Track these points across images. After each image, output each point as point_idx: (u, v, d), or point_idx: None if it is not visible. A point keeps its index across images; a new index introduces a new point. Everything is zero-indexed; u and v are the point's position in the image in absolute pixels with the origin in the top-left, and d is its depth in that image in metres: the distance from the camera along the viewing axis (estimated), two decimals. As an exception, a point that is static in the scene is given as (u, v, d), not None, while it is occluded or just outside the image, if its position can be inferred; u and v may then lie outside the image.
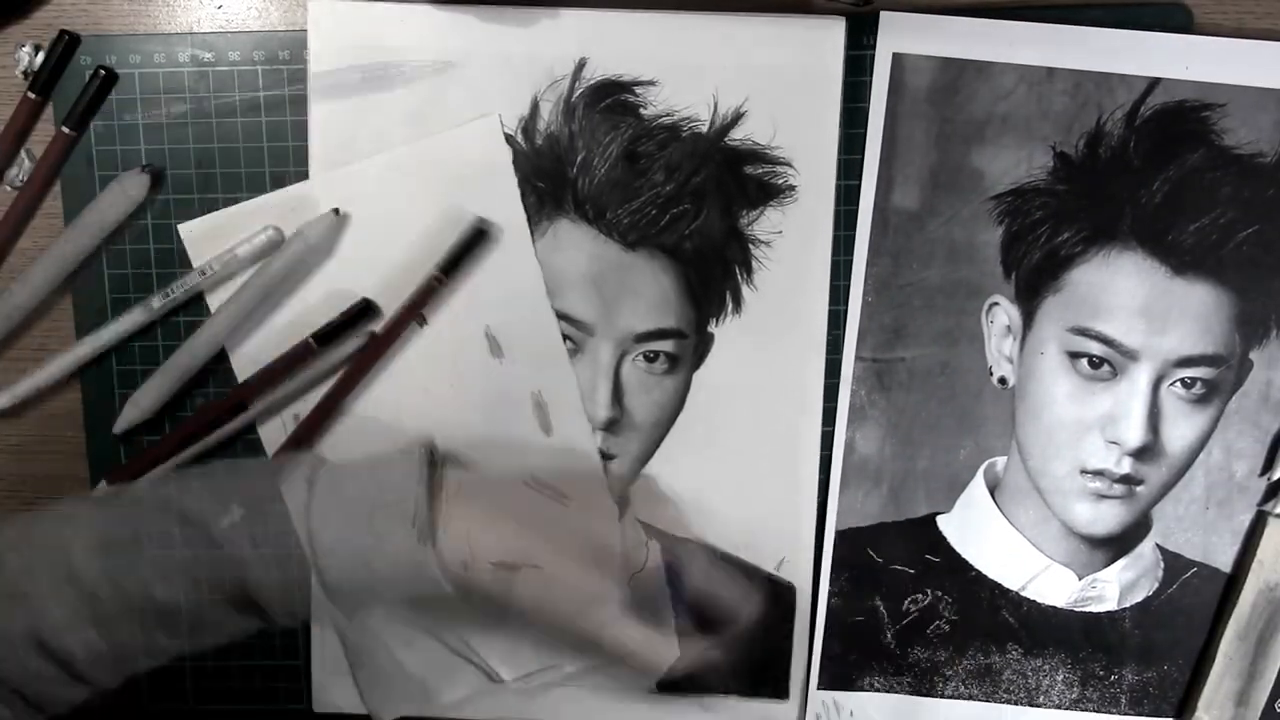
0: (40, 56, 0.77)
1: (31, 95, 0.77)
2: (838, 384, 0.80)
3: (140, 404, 0.78)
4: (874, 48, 0.77)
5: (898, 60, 0.77)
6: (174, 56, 0.78)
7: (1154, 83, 0.76)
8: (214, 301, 0.79)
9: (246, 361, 0.79)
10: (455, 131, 0.77)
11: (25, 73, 0.78)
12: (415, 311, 0.78)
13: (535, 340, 0.79)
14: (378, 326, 0.79)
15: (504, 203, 0.78)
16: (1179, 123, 0.77)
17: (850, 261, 0.79)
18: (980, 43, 0.77)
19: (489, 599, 0.69)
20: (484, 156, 0.78)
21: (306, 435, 0.79)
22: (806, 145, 0.78)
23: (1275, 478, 0.80)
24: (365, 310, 0.78)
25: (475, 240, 0.77)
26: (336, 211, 0.77)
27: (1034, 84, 0.77)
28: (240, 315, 0.77)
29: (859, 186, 0.78)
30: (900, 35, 0.77)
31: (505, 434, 0.80)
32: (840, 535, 0.81)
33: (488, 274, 0.78)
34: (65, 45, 0.77)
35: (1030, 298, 0.78)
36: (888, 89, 0.77)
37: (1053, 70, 0.76)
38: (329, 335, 0.78)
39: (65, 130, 0.77)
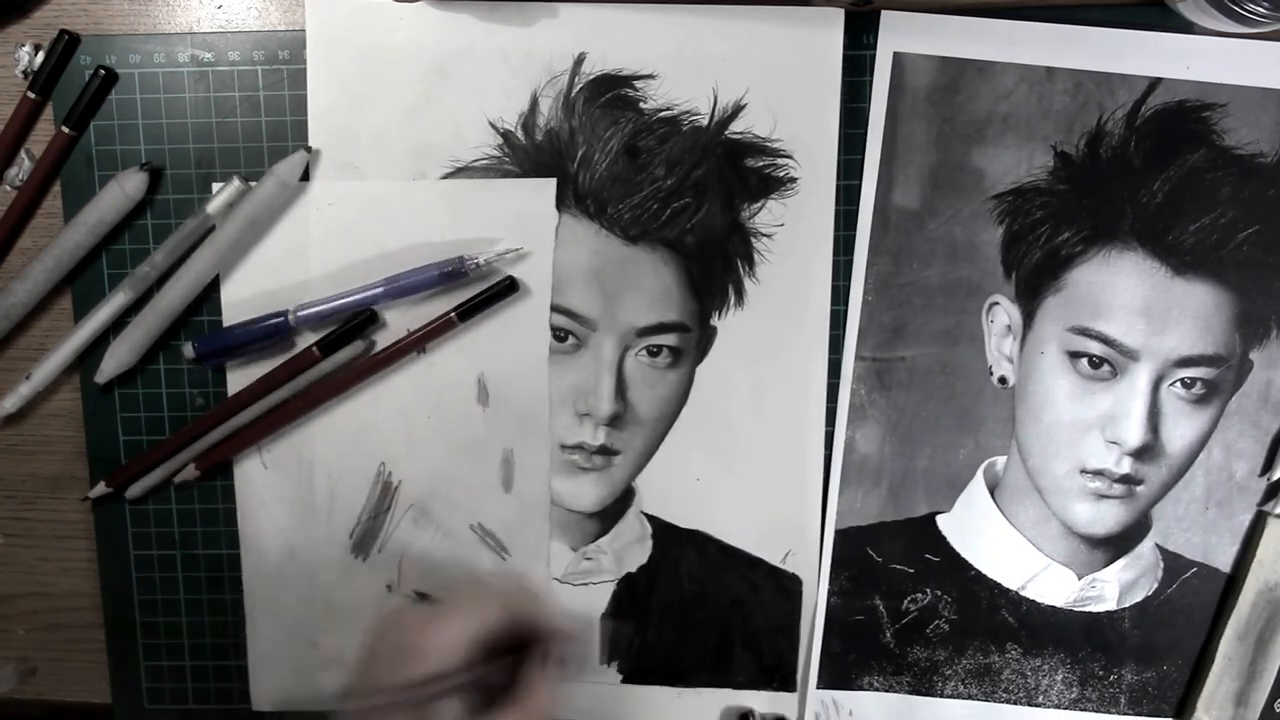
0: (40, 56, 0.77)
1: (31, 95, 0.77)
2: (838, 383, 0.80)
3: (119, 354, 0.78)
4: (874, 47, 0.77)
5: (898, 59, 0.77)
6: (174, 56, 0.78)
7: (1155, 82, 0.76)
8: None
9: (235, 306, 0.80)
10: (501, 182, 0.78)
11: (25, 73, 0.78)
12: (419, 344, 0.79)
13: (523, 399, 0.80)
14: (379, 336, 0.79)
15: (535, 260, 0.78)
16: (1180, 123, 0.76)
17: (850, 261, 0.79)
18: (981, 42, 0.76)
19: None
20: (529, 215, 0.78)
21: (276, 425, 0.80)
22: (807, 137, 0.78)
23: (1275, 478, 0.79)
24: (370, 319, 0.78)
25: (503, 294, 0.78)
26: (308, 149, 0.77)
27: (1035, 83, 0.76)
28: (216, 261, 0.77)
29: (859, 186, 0.78)
30: (901, 34, 0.76)
31: (467, 479, 0.81)
32: (840, 534, 0.81)
33: (499, 322, 0.79)
34: (65, 45, 0.77)
35: (1030, 297, 0.78)
36: (888, 88, 0.77)
37: (1053, 70, 0.76)
38: (333, 345, 0.78)
39: (65, 130, 0.77)
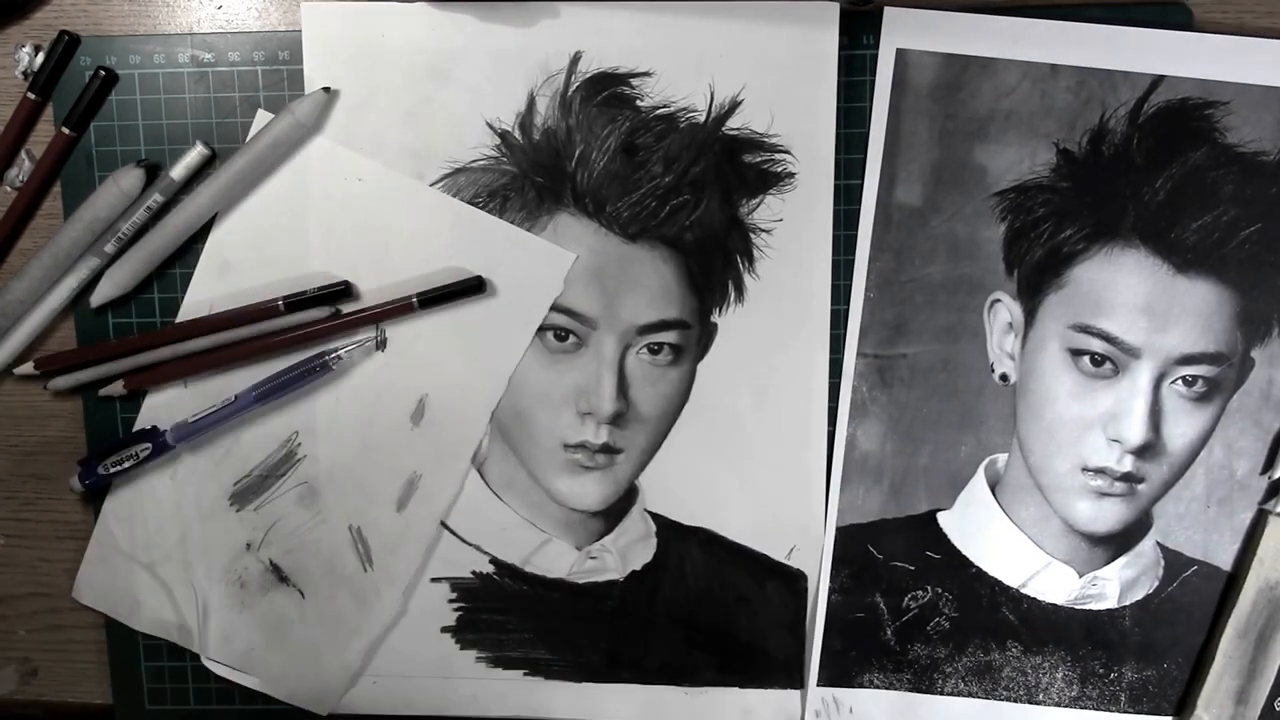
0: (40, 57, 0.77)
1: (31, 96, 0.77)
2: (839, 381, 0.80)
3: (116, 279, 0.78)
4: (875, 47, 0.76)
5: (901, 56, 0.76)
6: (174, 57, 0.77)
7: (1157, 80, 0.76)
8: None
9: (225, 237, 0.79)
10: (520, 233, 0.78)
11: (25, 73, 0.77)
12: (375, 320, 0.79)
13: (454, 432, 0.80)
14: (347, 307, 0.79)
15: (527, 307, 0.79)
16: (1182, 120, 0.76)
17: (852, 260, 0.78)
18: (984, 39, 0.76)
19: None
20: (534, 277, 0.78)
21: (213, 364, 0.80)
22: (804, 131, 0.77)
23: (1276, 476, 0.79)
24: (343, 291, 0.78)
25: (469, 291, 0.78)
26: (327, 90, 0.77)
27: (1037, 81, 0.76)
28: (222, 194, 0.77)
29: (861, 183, 0.78)
30: (904, 31, 0.76)
31: (367, 483, 0.81)
32: (841, 531, 0.81)
33: (468, 351, 0.79)
34: (65, 46, 0.76)
35: (1032, 295, 0.78)
36: (891, 85, 0.77)
37: (1056, 67, 0.76)
38: (299, 305, 0.78)
39: (65, 131, 0.77)
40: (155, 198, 0.77)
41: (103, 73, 0.77)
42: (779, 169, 0.78)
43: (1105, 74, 0.76)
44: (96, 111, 0.77)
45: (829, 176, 0.78)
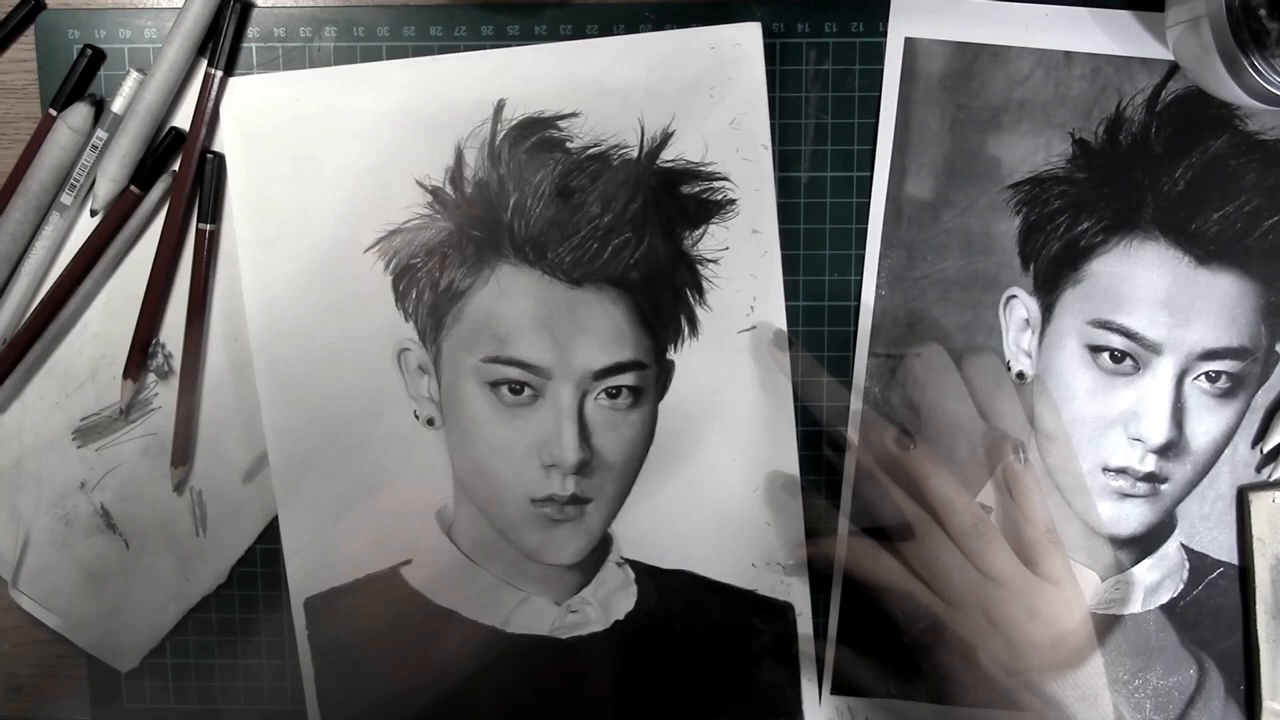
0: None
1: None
2: (853, 380, 0.78)
3: (110, 174, 0.75)
4: (885, 33, 0.76)
5: (910, 45, 0.76)
6: (165, 32, 0.76)
7: (1175, 66, 0.75)
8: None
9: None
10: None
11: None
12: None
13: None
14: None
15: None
16: (1201, 108, 0.75)
17: (863, 255, 0.77)
18: (995, 26, 0.75)
19: None
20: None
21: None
22: (740, 156, 0.76)
23: (1269, 448, 0.78)
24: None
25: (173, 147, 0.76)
26: None
27: (1051, 68, 0.75)
28: (182, 51, 0.75)
29: (871, 177, 0.77)
30: (913, 19, 0.75)
31: (219, 446, 0.80)
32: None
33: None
34: (29, 10, 0.76)
35: (1049, 290, 0.77)
36: (900, 75, 0.76)
37: (1071, 54, 0.75)
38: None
39: (52, 113, 0.75)
40: (99, 134, 0.75)
41: (89, 51, 0.75)
42: (719, 196, 0.77)
43: (1121, 60, 0.75)
44: (84, 91, 0.76)
45: (771, 199, 0.76)
